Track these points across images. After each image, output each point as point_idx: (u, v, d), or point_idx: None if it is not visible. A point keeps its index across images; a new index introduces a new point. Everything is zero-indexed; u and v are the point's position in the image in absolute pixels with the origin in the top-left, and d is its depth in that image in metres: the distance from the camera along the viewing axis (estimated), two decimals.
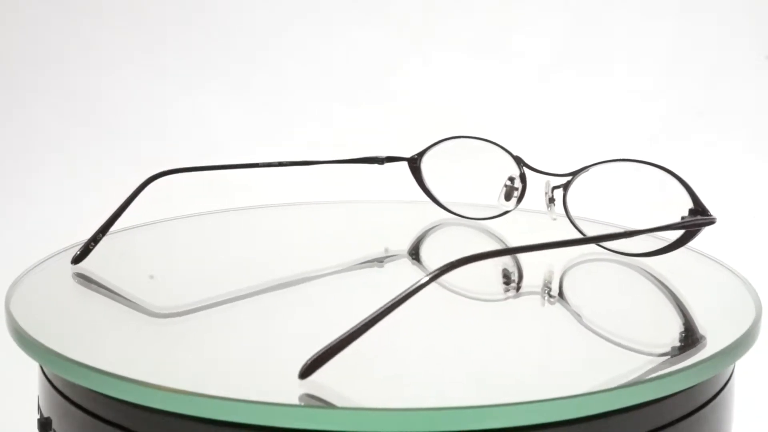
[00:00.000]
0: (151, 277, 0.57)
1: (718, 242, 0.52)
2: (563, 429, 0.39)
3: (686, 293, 0.52)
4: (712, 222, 0.51)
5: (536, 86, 1.10)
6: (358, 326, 0.40)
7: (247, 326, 0.49)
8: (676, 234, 0.53)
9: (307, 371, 0.39)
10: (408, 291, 0.41)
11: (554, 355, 0.46)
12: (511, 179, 0.61)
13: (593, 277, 0.57)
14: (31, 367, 0.48)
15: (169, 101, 1.12)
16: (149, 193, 0.59)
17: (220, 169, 0.66)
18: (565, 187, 0.57)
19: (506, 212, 0.62)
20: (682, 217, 0.53)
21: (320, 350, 0.39)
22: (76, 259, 0.56)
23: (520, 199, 0.61)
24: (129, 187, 0.59)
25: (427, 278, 0.41)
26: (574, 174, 0.57)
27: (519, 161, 0.61)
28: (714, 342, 0.45)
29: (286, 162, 0.65)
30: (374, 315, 0.40)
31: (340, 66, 1.12)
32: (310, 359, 0.39)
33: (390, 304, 0.40)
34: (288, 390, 0.40)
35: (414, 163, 0.65)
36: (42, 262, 0.55)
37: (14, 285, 0.51)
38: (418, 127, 1.08)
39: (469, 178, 0.64)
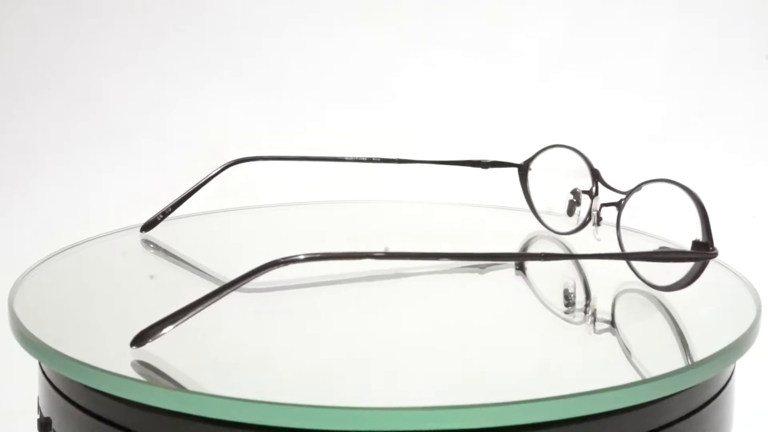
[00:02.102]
0: (152, 276, 0.57)
1: (718, 242, 0.51)
2: (563, 429, 0.39)
3: (686, 293, 0.52)
4: (712, 256, 0.49)
5: (536, 86, 1.09)
6: (193, 302, 0.43)
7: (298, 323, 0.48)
8: (687, 268, 0.51)
9: (135, 341, 0.42)
10: (240, 277, 0.43)
11: (554, 355, 0.46)
12: (574, 193, 0.58)
13: (595, 280, 0.57)
14: (31, 367, 0.48)
15: (169, 101, 1.12)
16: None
17: (303, 160, 0.63)
18: (619, 205, 0.53)
19: (575, 229, 0.58)
20: (660, 247, 0.53)
21: (151, 323, 0.42)
22: (145, 227, 0.61)
23: (589, 214, 0.57)
24: (129, 187, 0.59)
25: (248, 271, 0.43)
26: (629, 193, 0.53)
27: (595, 176, 0.57)
28: (714, 342, 0.45)
29: (376, 158, 0.62)
30: (208, 294, 0.43)
31: (339, 66, 1.12)
32: (140, 331, 0.42)
33: (221, 287, 0.43)
34: (291, 391, 0.40)
35: (523, 170, 0.62)
36: (43, 262, 0.56)
37: (17, 284, 0.51)
38: (417, 128, 1.08)
39: (566, 189, 0.60)
